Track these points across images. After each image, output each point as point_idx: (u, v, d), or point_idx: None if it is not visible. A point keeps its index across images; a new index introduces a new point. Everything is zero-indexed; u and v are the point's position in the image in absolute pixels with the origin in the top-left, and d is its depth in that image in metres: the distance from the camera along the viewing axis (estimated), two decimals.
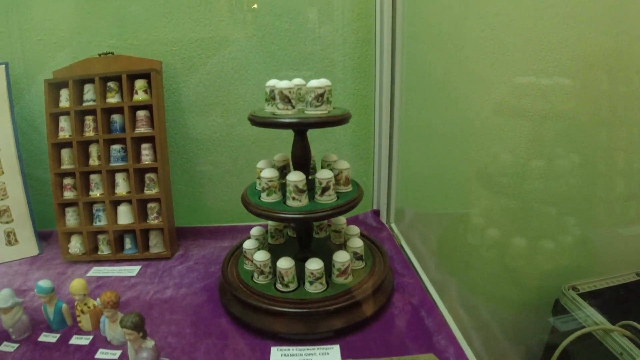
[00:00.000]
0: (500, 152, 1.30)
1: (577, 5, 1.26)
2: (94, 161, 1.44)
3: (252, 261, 1.17)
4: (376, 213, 1.61)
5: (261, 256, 1.13)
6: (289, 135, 1.43)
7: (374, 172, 1.61)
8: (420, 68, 1.50)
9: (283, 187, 1.13)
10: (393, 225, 1.53)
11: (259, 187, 1.19)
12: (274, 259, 1.13)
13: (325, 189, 1.09)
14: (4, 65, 1.52)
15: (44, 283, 1.10)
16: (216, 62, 1.59)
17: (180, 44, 1.57)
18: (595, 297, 1.44)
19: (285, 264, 1.09)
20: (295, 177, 1.07)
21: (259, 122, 1.09)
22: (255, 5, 1.56)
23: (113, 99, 1.42)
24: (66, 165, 1.45)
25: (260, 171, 1.15)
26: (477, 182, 1.34)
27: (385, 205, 1.56)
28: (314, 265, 1.08)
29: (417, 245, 1.37)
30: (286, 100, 1.06)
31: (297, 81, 1.12)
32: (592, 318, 1.38)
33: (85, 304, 1.10)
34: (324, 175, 1.08)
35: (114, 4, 1.56)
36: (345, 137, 1.65)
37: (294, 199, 1.07)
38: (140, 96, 1.41)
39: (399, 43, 1.45)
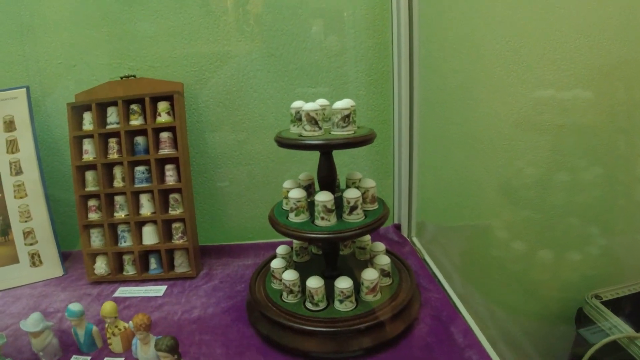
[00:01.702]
0: (522, 165, 1.31)
1: (589, 15, 1.28)
2: (118, 183, 1.46)
3: (280, 280, 1.18)
4: (397, 227, 1.62)
5: (290, 275, 1.14)
6: (308, 153, 1.45)
7: (394, 186, 1.62)
8: (438, 82, 1.51)
9: (310, 206, 1.14)
10: (415, 239, 1.54)
11: (286, 207, 1.20)
12: (301, 277, 1.14)
13: (353, 208, 1.10)
14: (24, 89, 1.55)
15: (75, 307, 1.11)
16: (235, 82, 1.61)
17: (198, 65, 1.60)
18: (618, 305, 1.44)
19: (315, 283, 1.10)
20: (324, 197, 1.08)
21: (285, 143, 1.11)
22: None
23: (136, 122, 1.44)
24: (90, 187, 1.47)
25: (288, 191, 1.16)
26: (499, 195, 1.35)
27: (406, 219, 1.57)
28: (344, 283, 1.09)
29: (441, 259, 1.38)
30: (313, 122, 1.08)
31: (322, 102, 1.14)
32: (617, 326, 1.38)
33: (116, 326, 1.11)
34: (351, 194, 1.10)
35: (131, 27, 1.59)
36: (364, 152, 1.66)
37: (322, 218, 1.08)
38: (163, 118, 1.43)
39: (416, 58, 1.47)
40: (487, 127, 1.35)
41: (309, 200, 1.16)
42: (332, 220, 1.09)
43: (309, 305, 1.11)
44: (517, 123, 1.33)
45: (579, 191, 1.16)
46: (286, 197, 1.20)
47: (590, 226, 1.34)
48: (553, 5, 1.23)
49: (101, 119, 1.46)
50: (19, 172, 1.54)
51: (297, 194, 1.12)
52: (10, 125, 1.53)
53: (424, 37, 1.47)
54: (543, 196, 1.21)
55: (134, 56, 1.60)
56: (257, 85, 1.61)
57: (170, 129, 1.44)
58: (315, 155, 1.37)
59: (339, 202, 1.13)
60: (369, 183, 1.17)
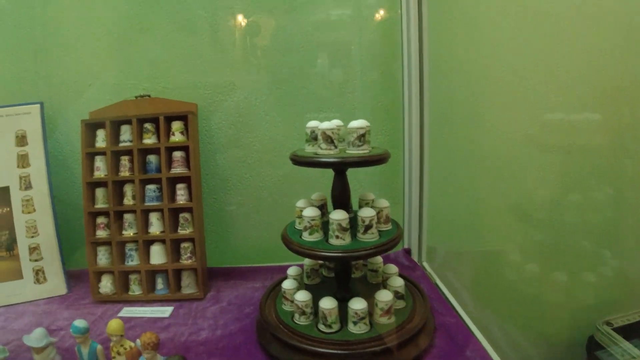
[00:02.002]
0: (532, 186, 1.32)
1: (595, 39, 1.32)
2: (128, 200, 1.46)
3: (291, 301, 1.17)
4: (407, 252, 1.60)
5: (302, 296, 1.13)
6: (319, 174, 1.45)
7: (404, 211, 1.62)
8: (448, 106, 1.54)
9: (324, 225, 1.14)
10: (425, 264, 1.53)
11: (299, 226, 1.20)
12: (313, 299, 1.12)
13: (368, 227, 1.10)
14: (38, 105, 1.56)
15: (80, 323, 1.08)
16: (246, 106, 1.63)
17: (211, 88, 1.63)
18: (630, 331, 1.42)
19: (328, 304, 1.08)
20: (339, 215, 1.08)
21: (301, 161, 1.12)
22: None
23: (150, 140, 1.45)
24: (100, 205, 1.47)
25: (301, 210, 1.16)
26: (510, 216, 1.35)
27: (416, 244, 1.56)
28: (358, 304, 1.07)
29: (453, 283, 1.36)
30: (329, 140, 1.09)
31: (337, 122, 1.16)
32: (629, 352, 1.35)
33: (122, 345, 1.08)
34: (366, 213, 1.10)
35: (145, 51, 1.63)
36: (373, 176, 1.67)
37: (337, 237, 1.08)
38: (177, 137, 1.44)
39: (426, 83, 1.51)
40: (496, 150, 1.37)
41: (322, 219, 1.16)
42: (347, 239, 1.08)
43: (321, 327, 1.09)
44: (525, 145, 1.35)
45: (590, 212, 1.17)
46: (299, 217, 1.19)
47: (602, 248, 1.33)
48: (558, 30, 1.27)
49: (114, 137, 1.47)
50: (28, 186, 1.53)
51: (311, 212, 1.12)
52: (22, 140, 1.54)
53: (433, 63, 1.51)
54: (554, 217, 1.22)
55: (148, 78, 1.63)
56: (268, 109, 1.64)
57: (184, 148, 1.45)
58: (325, 176, 1.37)
59: (352, 221, 1.13)
60: (383, 203, 1.17)
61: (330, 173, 1.18)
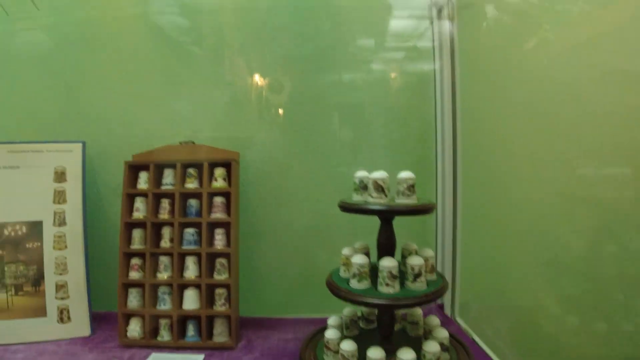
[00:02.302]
0: (569, 237, 1.36)
1: (620, 98, 1.41)
2: (165, 243, 1.46)
3: (335, 352, 1.16)
4: (440, 307, 1.61)
5: (348, 346, 1.12)
6: (346, 226, 1.49)
7: (437, 265, 1.64)
8: (480, 158, 1.60)
9: (371, 273, 1.16)
10: (459, 319, 1.53)
11: (344, 274, 1.22)
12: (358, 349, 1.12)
13: (417, 275, 1.12)
14: (81, 144, 1.61)
15: None
16: (282, 157, 1.69)
17: (251, 140, 1.69)
18: None
19: (377, 354, 1.08)
20: (389, 262, 1.11)
21: (352, 208, 1.16)
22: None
23: (192, 185, 1.49)
24: (136, 246, 1.47)
25: (347, 258, 1.19)
26: (546, 268, 1.38)
27: (449, 299, 1.57)
28: (407, 355, 1.07)
29: (490, 338, 1.36)
30: (380, 189, 1.14)
31: (384, 173, 1.21)
32: None
33: None
34: (416, 261, 1.13)
35: (184, 100, 1.72)
36: (404, 228, 1.70)
37: (387, 285, 1.10)
38: (219, 183, 1.48)
39: (459, 137, 1.59)
40: (530, 202, 1.43)
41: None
42: (396, 287, 1.10)
43: None
44: (560, 198, 1.40)
45: (628, 263, 1.21)
46: (345, 264, 1.22)
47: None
48: (586, 91, 1.36)
49: (157, 180, 1.50)
50: (62, 223, 1.54)
51: (361, 259, 1.14)
52: (61, 177, 1.57)
53: (466, 118, 1.60)
54: (592, 269, 1.26)
55: (191, 126, 1.69)
56: (303, 161, 1.69)
57: (225, 194, 1.48)
58: (357, 227, 1.40)
59: (399, 270, 1.15)
60: (429, 252, 1.20)
61: (362, 223, 1.22)
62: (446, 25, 1.76)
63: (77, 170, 1.59)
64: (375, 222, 1.25)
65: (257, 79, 1.72)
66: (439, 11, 1.78)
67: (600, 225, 1.30)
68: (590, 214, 1.31)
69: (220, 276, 1.44)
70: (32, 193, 1.55)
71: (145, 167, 1.52)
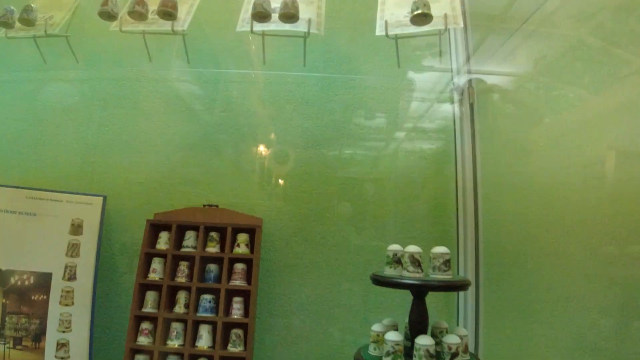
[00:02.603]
0: (596, 316, 1.35)
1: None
2: (179, 308, 1.42)
3: None
4: None
5: None
6: (362, 302, 1.47)
7: None
8: (502, 236, 1.62)
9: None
10: None
11: (374, 352, 1.18)
12: None
13: (454, 355, 1.09)
14: (102, 198, 1.59)
15: None
16: (304, 226, 1.68)
17: (277, 210, 1.68)
18: None
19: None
20: (426, 341, 1.08)
21: (387, 282, 1.16)
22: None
23: (213, 249, 1.47)
24: (149, 309, 1.42)
25: (378, 335, 1.16)
26: (576, 349, 1.36)
27: None
28: None
29: None
30: (416, 263, 1.14)
31: (418, 248, 1.21)
32: None
33: None
34: (453, 340, 1.10)
35: (206, 163, 1.73)
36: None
37: None
38: (241, 249, 1.46)
39: (480, 212, 1.61)
40: (558, 282, 1.44)
41: None
42: None
43: None
44: (586, 276, 1.41)
45: None
46: (376, 341, 1.18)
47: None
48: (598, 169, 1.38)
49: (178, 241, 1.48)
50: (72, 277, 1.49)
51: (395, 336, 1.11)
52: (77, 229, 1.54)
53: (487, 192, 1.63)
54: (621, 346, 1.24)
55: (214, 189, 1.69)
56: (325, 233, 1.69)
57: (247, 261, 1.46)
58: (375, 303, 1.36)
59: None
60: (463, 331, 1.18)
61: (378, 299, 1.20)
62: (466, 106, 1.82)
63: (95, 224, 1.56)
64: (394, 298, 1.23)
65: (281, 149, 1.75)
66: (460, 94, 1.85)
67: (627, 301, 1.29)
68: (615, 292, 1.31)
69: (235, 348, 1.38)
70: (45, 243, 1.51)
71: (166, 227, 1.50)
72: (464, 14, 1.50)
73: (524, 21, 1.80)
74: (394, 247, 1.22)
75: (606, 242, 1.44)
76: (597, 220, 1.48)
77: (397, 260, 1.20)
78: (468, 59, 1.88)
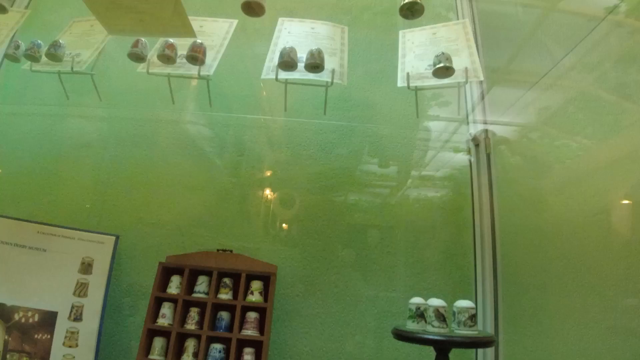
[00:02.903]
0: None
1: None
2: (187, 357, 1.37)
3: None
4: None
5: None
6: (386, 354, 1.43)
7: None
8: (522, 286, 1.59)
9: None
10: None
11: None
12: None
13: None
14: (114, 237, 1.56)
15: None
16: (318, 275, 1.65)
17: (290, 257, 1.65)
18: None
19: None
20: None
21: (411, 337, 1.12)
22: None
23: (226, 296, 1.43)
24: (156, 356, 1.37)
25: None
26: None
27: None
28: None
29: None
30: (441, 318, 1.11)
31: (443, 302, 1.18)
32: None
33: None
34: None
35: (228, 208, 1.72)
36: None
37: None
38: (255, 297, 1.43)
39: (499, 262, 1.58)
40: (581, 335, 1.40)
41: None
42: None
43: None
44: (610, 329, 1.38)
45: None
46: None
47: None
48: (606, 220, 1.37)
49: (189, 286, 1.45)
50: (78, 318, 1.45)
51: None
52: (87, 268, 1.51)
53: (505, 241, 1.61)
54: None
55: (228, 234, 1.67)
56: (339, 281, 1.65)
57: (260, 310, 1.42)
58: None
59: None
60: None
61: (395, 354, 1.15)
62: (483, 156, 1.83)
63: (105, 264, 1.53)
64: (410, 352, 1.19)
65: (295, 195, 1.74)
66: (477, 146, 1.86)
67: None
68: (632, 344, 1.28)
69: None
70: (53, 280, 1.48)
71: (178, 271, 1.47)
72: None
73: (541, 76, 1.84)
74: (417, 300, 1.19)
75: (626, 294, 1.42)
76: (613, 268, 1.46)
77: (419, 314, 1.17)
78: (484, 110, 1.91)
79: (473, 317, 1.12)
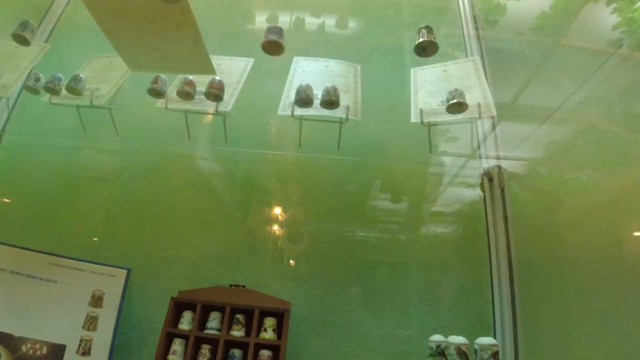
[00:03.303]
0: None
1: None
2: None
3: None
4: None
5: None
6: None
7: None
8: (540, 320, 1.55)
9: None
10: None
11: None
12: None
13: None
14: (126, 271, 1.55)
15: None
16: (331, 311, 1.62)
17: (303, 294, 1.63)
18: None
19: None
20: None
21: None
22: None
23: (239, 333, 1.40)
24: None
25: None
26: None
27: None
28: None
29: None
30: (463, 356, 1.08)
31: (464, 339, 1.15)
32: None
33: None
34: None
35: (241, 244, 1.71)
36: None
37: None
38: (268, 334, 1.40)
39: (517, 297, 1.55)
40: None
41: None
42: None
43: None
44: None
45: None
46: None
47: None
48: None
49: (202, 322, 1.42)
50: (86, 352, 1.42)
51: None
52: (97, 302, 1.49)
53: (522, 275, 1.59)
54: None
55: (240, 269, 1.65)
56: (352, 319, 1.62)
57: (273, 348, 1.39)
58: None
59: None
60: None
61: None
62: (497, 191, 1.83)
63: (116, 297, 1.51)
64: None
65: (307, 230, 1.74)
66: (490, 180, 1.86)
67: None
68: None
69: None
70: (62, 313, 1.46)
71: (190, 306, 1.45)
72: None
73: (551, 110, 1.86)
74: (437, 337, 1.17)
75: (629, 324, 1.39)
76: (632, 301, 1.43)
77: (440, 352, 1.14)
78: (496, 145, 1.92)
79: (496, 354, 1.09)
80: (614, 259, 1.53)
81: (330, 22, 2.28)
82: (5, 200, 1.83)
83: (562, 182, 1.84)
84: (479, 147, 1.94)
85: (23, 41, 1.58)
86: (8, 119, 1.89)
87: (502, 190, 1.82)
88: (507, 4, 2.29)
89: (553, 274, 1.65)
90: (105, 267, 1.54)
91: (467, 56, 2.18)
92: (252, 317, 1.41)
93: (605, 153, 1.70)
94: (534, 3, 2.12)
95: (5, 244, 1.52)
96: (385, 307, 1.64)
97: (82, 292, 1.50)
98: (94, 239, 1.71)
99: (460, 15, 2.36)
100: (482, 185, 1.86)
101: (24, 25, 1.57)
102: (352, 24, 2.35)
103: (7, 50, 1.75)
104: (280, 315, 1.43)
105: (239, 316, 1.43)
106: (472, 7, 2.39)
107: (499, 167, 1.81)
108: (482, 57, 2.08)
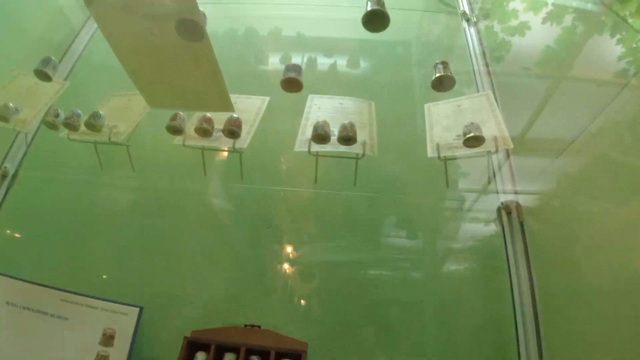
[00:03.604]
0: None
1: None
2: None
3: None
4: None
5: None
6: None
7: None
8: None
9: None
10: None
11: None
12: None
13: None
14: (138, 309, 1.52)
15: None
16: (344, 343, 1.57)
17: (319, 335, 1.57)
18: None
19: None
20: None
21: None
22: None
23: None
24: None
25: None
26: None
27: None
28: None
29: None
30: None
31: None
32: None
33: None
34: None
35: (254, 283, 1.68)
36: None
37: None
38: None
39: (543, 337, 1.50)
40: None
41: None
42: None
43: None
44: None
45: None
46: None
47: None
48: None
49: None
50: None
51: None
52: (108, 340, 1.45)
53: (548, 317, 1.53)
54: None
55: (255, 307, 1.61)
56: (359, 343, 1.57)
57: None
58: None
59: None
60: None
61: None
62: (516, 225, 1.80)
63: (128, 336, 1.47)
64: None
65: (326, 269, 1.71)
66: (508, 214, 1.83)
67: None
68: None
69: None
70: (72, 351, 1.43)
71: (204, 347, 1.40)
72: None
73: (568, 143, 1.85)
74: None
75: None
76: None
77: None
78: (512, 179, 1.90)
79: None
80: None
81: (341, 62, 2.32)
82: (17, 235, 1.83)
83: (577, 214, 1.82)
84: (490, 181, 1.93)
85: (45, 77, 1.61)
86: (25, 153, 1.91)
87: (521, 223, 1.79)
88: (511, 40, 2.32)
89: (578, 310, 1.60)
90: (117, 304, 1.51)
91: (477, 91, 2.20)
92: (268, 358, 1.37)
93: (619, 182, 1.68)
94: (539, 38, 2.15)
95: (16, 279, 1.50)
96: (402, 348, 1.59)
97: (92, 330, 1.46)
98: (104, 276, 1.68)
99: (469, 52, 2.40)
100: (499, 220, 1.83)
101: (46, 61, 1.60)
102: (363, 63, 2.39)
103: (27, 87, 1.78)
104: (298, 357, 1.38)
105: (255, 357, 1.38)
106: (481, 43, 2.43)
107: (517, 201, 1.79)
108: (493, 92, 2.10)
